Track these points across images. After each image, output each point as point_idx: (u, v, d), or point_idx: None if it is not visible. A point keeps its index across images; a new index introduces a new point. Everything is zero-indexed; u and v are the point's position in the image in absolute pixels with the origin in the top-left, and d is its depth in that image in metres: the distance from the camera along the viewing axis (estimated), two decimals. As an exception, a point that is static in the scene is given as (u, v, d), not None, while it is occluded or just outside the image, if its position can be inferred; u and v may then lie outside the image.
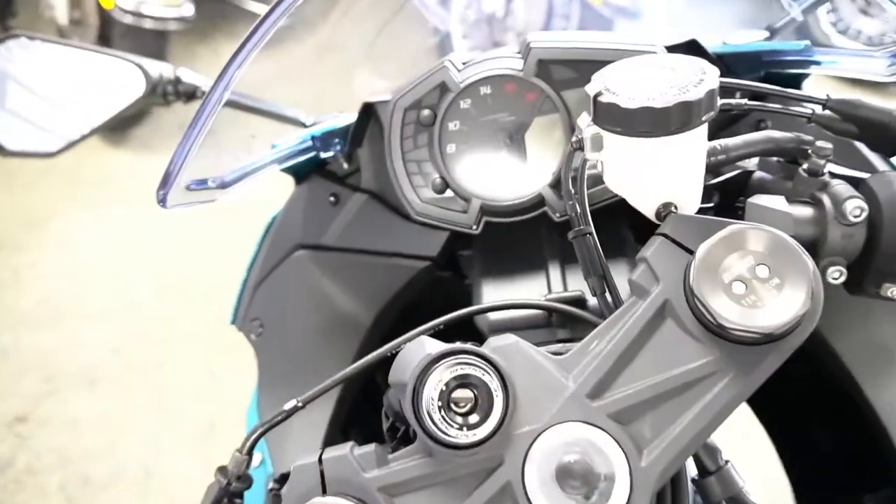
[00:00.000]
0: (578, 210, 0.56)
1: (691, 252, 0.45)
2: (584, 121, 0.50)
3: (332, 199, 0.77)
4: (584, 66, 0.66)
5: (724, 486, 0.47)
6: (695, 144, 0.50)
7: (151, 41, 2.83)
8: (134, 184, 2.94)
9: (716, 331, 0.43)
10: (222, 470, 0.52)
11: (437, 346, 0.46)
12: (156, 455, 2.05)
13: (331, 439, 0.74)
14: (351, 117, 0.75)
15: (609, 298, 0.54)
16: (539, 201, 0.67)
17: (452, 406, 0.43)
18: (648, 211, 0.52)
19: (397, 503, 0.44)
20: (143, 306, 2.48)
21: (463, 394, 0.44)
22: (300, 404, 0.57)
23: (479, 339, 0.71)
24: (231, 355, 2.31)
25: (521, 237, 0.70)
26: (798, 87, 0.69)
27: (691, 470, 0.49)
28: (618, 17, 2.75)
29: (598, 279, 0.55)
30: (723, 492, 0.47)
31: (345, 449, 0.45)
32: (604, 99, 0.48)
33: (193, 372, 2.27)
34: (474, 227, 0.68)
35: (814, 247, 0.51)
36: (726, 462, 0.48)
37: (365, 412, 0.79)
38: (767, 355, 0.43)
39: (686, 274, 0.45)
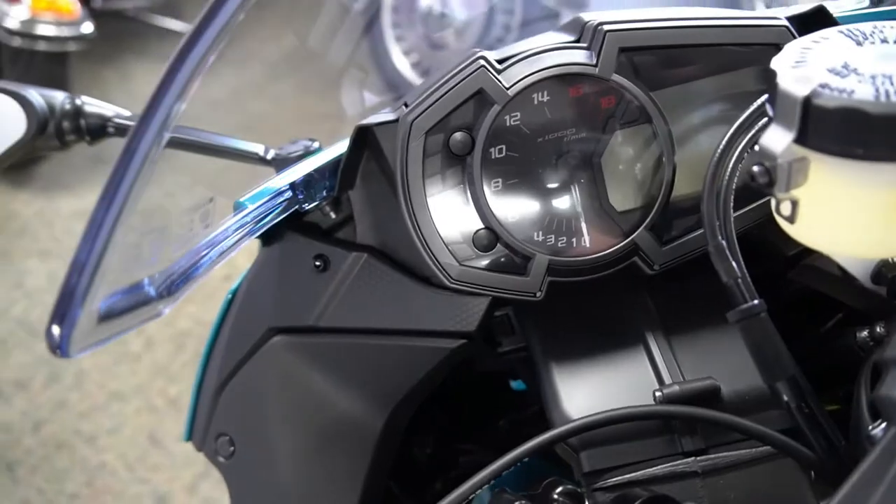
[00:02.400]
0: (739, 274, 0.36)
1: None
2: (779, 139, 0.30)
3: (317, 263, 0.55)
4: (683, 56, 0.46)
5: None
6: None
7: (48, 67, 2.50)
8: (47, 231, 2.61)
9: None
10: None
11: None
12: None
13: None
14: (337, 149, 0.53)
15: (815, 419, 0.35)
16: (630, 251, 0.47)
17: None
18: (862, 271, 0.33)
19: None
20: (66, 370, 2.17)
21: None
22: None
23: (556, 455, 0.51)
24: (173, 416, 2.05)
25: (594, 297, 0.50)
26: None
27: None
28: (563, 8, 2.61)
29: (790, 383, 0.35)
30: None
31: None
32: (828, 101, 0.28)
33: (132, 440, 1.99)
34: (538, 293, 0.48)
35: None
36: None
37: None
38: None
39: None
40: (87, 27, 2.48)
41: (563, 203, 0.48)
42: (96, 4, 2.90)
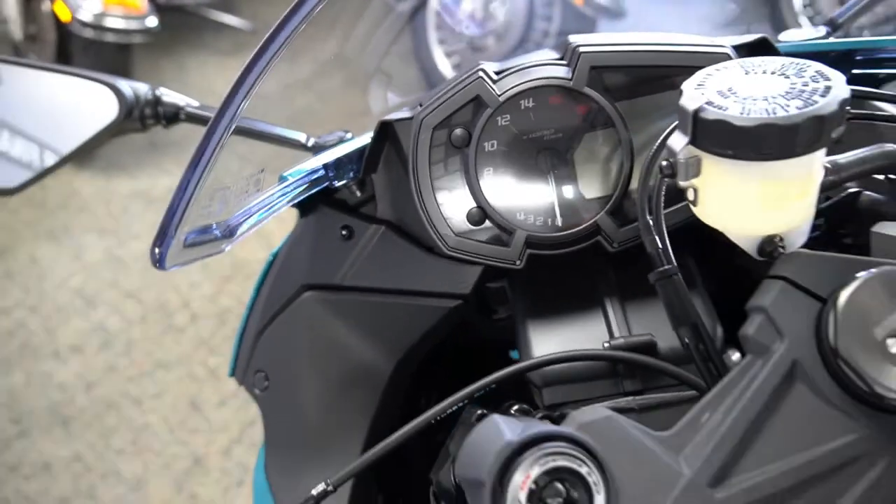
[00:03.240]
0: (660, 245, 0.47)
1: (823, 300, 0.37)
2: (679, 141, 0.41)
3: (343, 232, 0.67)
4: (643, 73, 0.57)
5: None
6: (814, 167, 0.41)
7: (114, 56, 2.69)
8: (105, 209, 2.80)
9: (866, 399, 0.35)
10: None
11: (517, 430, 0.37)
12: (139, 499, 1.92)
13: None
14: (363, 139, 0.65)
15: (708, 352, 0.45)
16: (593, 231, 0.58)
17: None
18: (750, 246, 0.44)
19: None
20: (118, 338, 2.34)
21: (554, 489, 0.35)
22: (331, 488, 0.47)
23: (526, 391, 0.61)
24: (214, 385, 2.20)
25: (570, 271, 0.61)
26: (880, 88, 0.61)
27: None
28: (600, 16, 2.69)
29: (691, 328, 0.46)
30: None
31: None
32: (708, 115, 0.39)
33: (174, 405, 2.14)
34: (518, 261, 0.59)
35: None
36: None
37: (393, 474, 0.70)
38: None
39: (821, 328, 0.36)
40: (152, 21, 2.66)
41: (541, 189, 0.58)
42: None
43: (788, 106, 0.37)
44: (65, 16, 2.53)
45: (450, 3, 2.85)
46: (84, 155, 2.41)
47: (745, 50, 0.58)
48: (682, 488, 0.36)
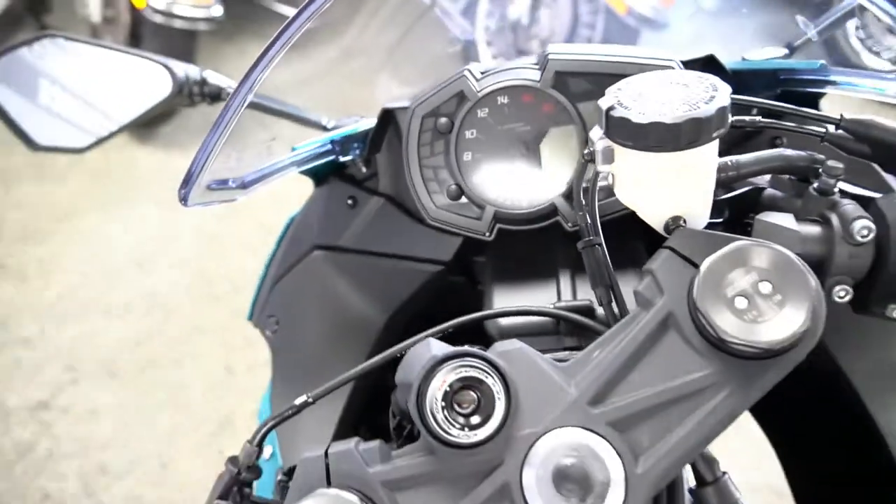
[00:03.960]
0: (589, 221, 0.57)
1: (696, 266, 0.46)
2: (597, 133, 0.51)
3: (349, 201, 0.79)
4: (601, 79, 0.66)
5: (721, 497, 0.48)
6: (705, 160, 0.51)
7: (181, 41, 2.88)
8: (160, 181, 3.00)
9: (717, 344, 0.44)
10: (233, 460, 0.54)
11: (443, 349, 0.47)
12: (172, 447, 2.09)
13: (340, 435, 0.75)
14: (370, 122, 0.76)
15: (615, 309, 0.55)
16: (552, 211, 0.68)
17: (455, 407, 0.44)
18: (657, 224, 0.53)
19: (399, 498, 0.45)
20: (165, 303, 2.52)
21: (466, 395, 0.45)
22: (310, 399, 0.58)
23: (488, 343, 0.72)
24: (247, 353, 2.36)
25: (533, 246, 0.71)
26: (815, 105, 0.69)
27: (689, 481, 0.50)
28: (643, 27, 2.75)
29: (605, 289, 0.55)
30: (719, 503, 0.48)
31: (350, 444, 0.46)
32: (615, 113, 0.48)
33: (211, 368, 2.31)
34: (487, 234, 0.69)
35: (821, 265, 0.51)
36: (724, 473, 0.48)
37: (375, 411, 0.81)
38: (767, 370, 0.44)
39: (690, 287, 0.46)
40: (217, 10, 2.83)
41: (510, 173, 0.68)
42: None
43: (678, 109, 0.47)
44: (139, 2, 2.73)
45: (497, 7, 2.94)
46: (140, 124, 2.62)
47: (696, 65, 0.67)
48: (568, 404, 0.45)
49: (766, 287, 0.43)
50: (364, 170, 0.79)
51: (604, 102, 0.50)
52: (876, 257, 0.50)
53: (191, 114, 3.01)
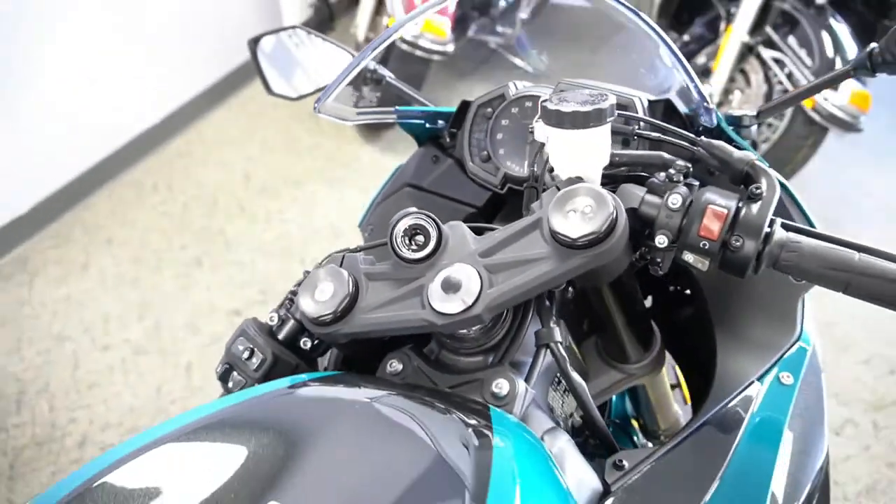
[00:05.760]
0: (537, 172, 0.91)
1: None
2: (538, 120, 0.85)
3: (433, 158, 1.19)
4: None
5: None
6: (598, 140, 0.79)
7: (417, 66, 3.51)
8: (371, 173, 3.64)
9: (553, 236, 0.76)
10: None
11: (411, 209, 0.84)
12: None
13: None
14: (453, 108, 1.16)
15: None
16: (537, 177, 1.02)
17: (410, 240, 0.79)
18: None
19: (370, 284, 0.80)
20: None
21: (417, 236, 0.81)
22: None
23: None
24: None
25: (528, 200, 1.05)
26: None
27: None
28: (832, 126, 2.83)
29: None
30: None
31: (359, 255, 0.78)
32: (545, 104, 0.83)
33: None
34: (499, 188, 1.05)
35: (652, 220, 0.80)
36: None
37: None
38: (575, 255, 0.73)
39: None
40: (450, 47, 3.43)
41: (523, 151, 1.04)
42: (470, 32, 3.90)
43: (583, 105, 0.79)
44: (393, 30, 3.41)
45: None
46: (369, 127, 3.30)
47: (659, 103, 0.98)
48: (468, 253, 0.80)
49: (588, 209, 0.74)
50: (448, 139, 1.18)
51: (543, 101, 0.85)
52: (681, 221, 0.78)
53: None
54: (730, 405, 0.82)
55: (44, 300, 2.99)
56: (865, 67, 0.92)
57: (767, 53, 3.01)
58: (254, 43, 1.35)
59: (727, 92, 3.19)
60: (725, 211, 0.71)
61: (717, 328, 0.93)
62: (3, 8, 2.95)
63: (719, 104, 3.21)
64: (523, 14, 3.93)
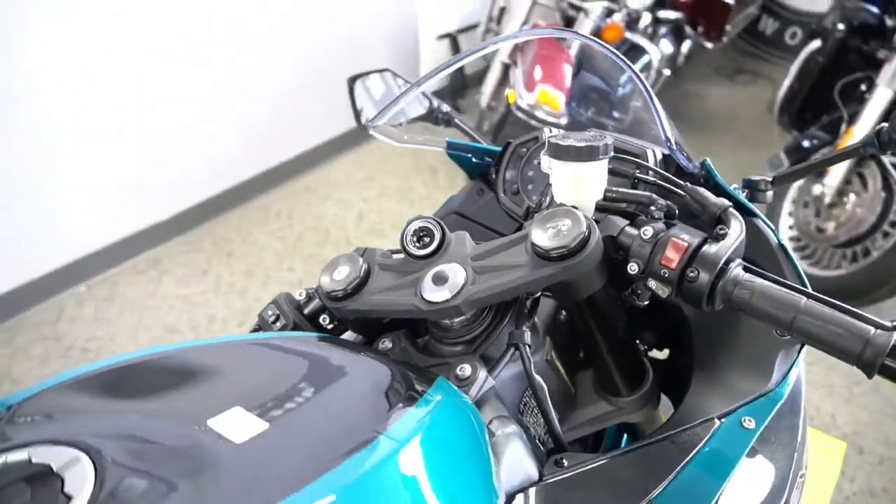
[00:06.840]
0: (544, 200, 1.02)
1: None
2: (543, 154, 0.97)
3: (479, 191, 1.32)
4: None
5: None
6: (595, 174, 0.86)
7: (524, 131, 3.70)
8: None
9: (534, 249, 0.86)
10: None
11: (425, 215, 0.98)
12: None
13: None
14: (498, 147, 1.30)
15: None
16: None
17: (418, 239, 0.86)
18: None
19: (381, 273, 0.83)
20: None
21: (424, 237, 0.93)
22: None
23: None
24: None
25: None
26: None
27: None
28: None
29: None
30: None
31: (378, 250, 0.86)
32: (550, 140, 0.93)
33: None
34: (523, 218, 1.17)
35: (628, 249, 0.87)
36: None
37: None
38: (547, 266, 0.77)
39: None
40: (563, 120, 3.59)
41: (543, 185, 1.15)
42: (589, 112, 4.05)
43: (577, 143, 0.90)
44: (512, 99, 3.64)
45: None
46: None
47: (662, 157, 1.06)
48: (463, 256, 0.91)
49: (564, 227, 0.83)
50: (494, 175, 1.32)
51: (546, 135, 0.97)
52: (650, 252, 0.85)
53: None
54: (684, 432, 0.86)
55: (166, 295, 3.38)
56: (874, 145, 0.96)
57: (888, 158, 2.91)
58: (352, 80, 1.58)
59: (841, 193, 3.10)
60: (686, 244, 0.79)
61: (695, 370, 0.97)
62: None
63: (832, 205, 3.11)
64: (637, 102, 4.03)
